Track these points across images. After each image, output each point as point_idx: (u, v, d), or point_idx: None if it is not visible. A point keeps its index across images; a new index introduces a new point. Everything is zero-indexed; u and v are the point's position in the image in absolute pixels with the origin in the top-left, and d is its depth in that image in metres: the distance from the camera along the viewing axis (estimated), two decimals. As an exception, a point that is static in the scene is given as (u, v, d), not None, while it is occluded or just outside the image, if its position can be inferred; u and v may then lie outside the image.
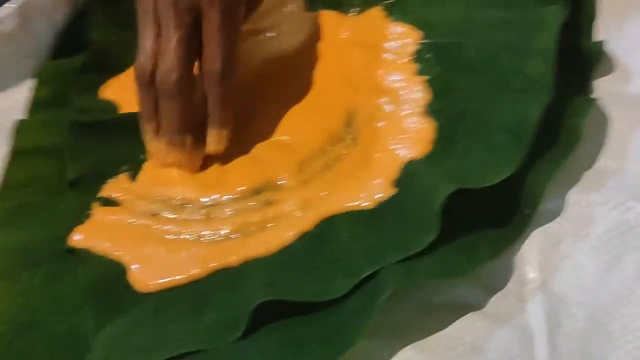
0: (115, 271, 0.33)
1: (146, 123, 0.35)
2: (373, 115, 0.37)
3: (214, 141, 0.35)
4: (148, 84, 0.33)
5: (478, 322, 0.29)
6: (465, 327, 0.29)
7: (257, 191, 0.35)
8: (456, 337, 0.28)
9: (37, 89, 0.42)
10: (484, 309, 0.29)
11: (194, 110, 0.34)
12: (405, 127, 0.35)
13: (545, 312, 0.28)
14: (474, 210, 0.31)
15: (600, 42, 0.37)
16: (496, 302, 0.29)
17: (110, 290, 0.33)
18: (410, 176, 0.33)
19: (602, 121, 0.35)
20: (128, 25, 0.44)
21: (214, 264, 0.33)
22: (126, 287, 0.33)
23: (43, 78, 0.43)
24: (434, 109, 0.35)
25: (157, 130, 0.35)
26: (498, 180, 0.30)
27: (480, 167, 0.31)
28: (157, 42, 0.33)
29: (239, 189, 0.35)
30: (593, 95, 0.35)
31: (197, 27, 0.33)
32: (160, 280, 0.33)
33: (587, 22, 0.38)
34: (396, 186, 0.33)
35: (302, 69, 0.40)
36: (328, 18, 0.42)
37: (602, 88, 0.36)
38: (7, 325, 0.32)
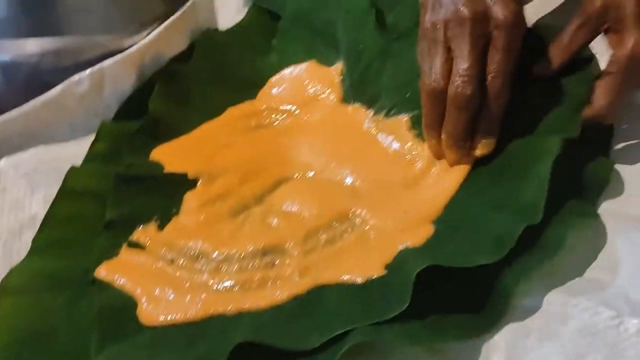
0: (126, 303, 0.37)
1: (430, 130, 0.41)
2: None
3: (482, 146, 0.40)
4: (437, 98, 0.39)
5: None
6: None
7: (264, 252, 0.39)
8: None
9: (94, 144, 0.49)
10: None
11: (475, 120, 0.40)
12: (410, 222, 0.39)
13: (501, 395, 0.30)
14: (451, 297, 0.34)
15: (611, 167, 0.40)
16: (457, 378, 0.31)
17: (118, 317, 0.37)
18: (400, 262, 0.36)
19: (598, 235, 0.37)
20: (182, 101, 0.52)
21: (212, 310, 0.36)
22: (133, 317, 0.37)
23: (101, 135, 0.49)
24: (438, 218, 0.38)
25: (438, 136, 0.40)
26: (475, 264, 0.33)
27: (462, 259, 0.34)
28: (446, 64, 0.39)
29: (249, 248, 0.39)
30: (594, 211, 0.38)
31: (485, 51, 0.39)
32: (163, 317, 0.37)
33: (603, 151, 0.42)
34: (386, 269, 0.36)
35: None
36: (357, 112, 0.47)
37: (606, 207, 0.39)
38: (20, 334, 0.36)
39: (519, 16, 0.39)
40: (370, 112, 0.47)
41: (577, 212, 0.37)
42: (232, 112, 0.52)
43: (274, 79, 0.53)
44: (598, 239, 0.37)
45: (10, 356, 0.35)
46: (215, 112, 0.52)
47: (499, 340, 0.33)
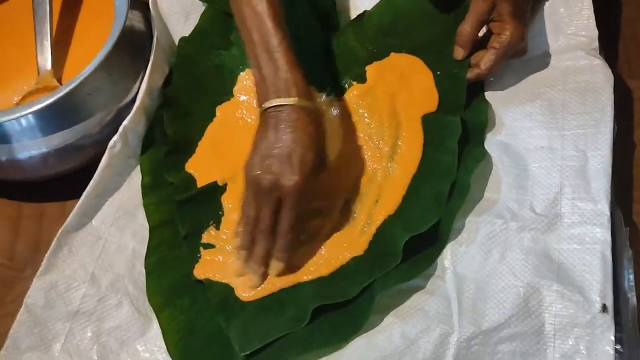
0: (227, 290, 0.60)
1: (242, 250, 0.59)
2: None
3: (273, 268, 0.58)
4: (252, 228, 0.57)
5: (422, 296, 0.57)
6: (416, 300, 0.57)
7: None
8: (412, 306, 0.56)
9: (143, 179, 0.67)
10: (425, 289, 0.57)
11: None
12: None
13: (455, 286, 0.56)
14: (418, 239, 0.57)
15: (487, 108, 0.62)
16: (431, 283, 0.57)
17: (227, 302, 0.59)
18: (384, 230, 0.59)
19: (486, 164, 0.61)
20: (184, 115, 0.69)
21: (280, 284, 0.60)
22: (236, 299, 0.59)
23: (143, 170, 0.67)
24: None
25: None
26: (430, 225, 0.57)
27: (420, 220, 0.58)
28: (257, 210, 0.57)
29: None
30: (485, 153, 0.60)
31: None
32: (250, 295, 0.59)
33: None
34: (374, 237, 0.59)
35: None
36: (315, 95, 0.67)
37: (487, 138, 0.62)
38: (181, 332, 0.59)
39: (300, 184, 0.54)
40: (323, 95, 0.67)
41: (473, 158, 0.60)
42: (222, 110, 0.70)
43: (241, 75, 0.71)
44: (487, 167, 0.61)
45: (185, 347, 0.57)
46: (209, 112, 0.70)
47: (445, 252, 0.58)
